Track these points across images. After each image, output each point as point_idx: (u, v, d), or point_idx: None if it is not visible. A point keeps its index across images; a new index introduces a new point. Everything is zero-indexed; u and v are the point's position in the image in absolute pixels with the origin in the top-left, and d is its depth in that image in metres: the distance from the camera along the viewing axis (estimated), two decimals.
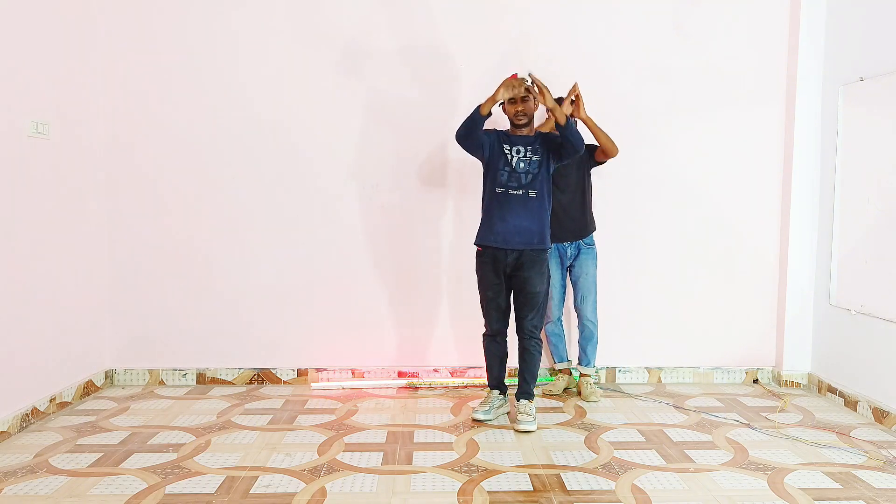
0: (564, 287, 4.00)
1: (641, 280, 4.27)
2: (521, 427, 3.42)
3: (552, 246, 3.81)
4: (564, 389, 4.08)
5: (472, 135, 3.43)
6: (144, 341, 4.20)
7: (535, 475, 2.89)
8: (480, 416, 3.55)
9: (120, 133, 4.10)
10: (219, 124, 4.14)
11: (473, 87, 4.17)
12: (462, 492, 2.72)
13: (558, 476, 2.89)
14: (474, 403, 3.87)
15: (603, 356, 4.12)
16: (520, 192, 3.43)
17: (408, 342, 4.29)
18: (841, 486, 2.81)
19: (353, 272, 4.23)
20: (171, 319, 4.19)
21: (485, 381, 4.24)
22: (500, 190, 3.45)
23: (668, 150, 4.27)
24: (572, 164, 3.74)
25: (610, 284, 4.05)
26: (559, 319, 4.04)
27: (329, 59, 4.14)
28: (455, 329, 4.27)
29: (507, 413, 3.67)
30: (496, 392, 3.66)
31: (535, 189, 3.45)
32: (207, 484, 2.79)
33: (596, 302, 3.96)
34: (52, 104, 3.65)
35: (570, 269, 3.96)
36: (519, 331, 3.56)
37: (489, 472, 2.91)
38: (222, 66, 4.12)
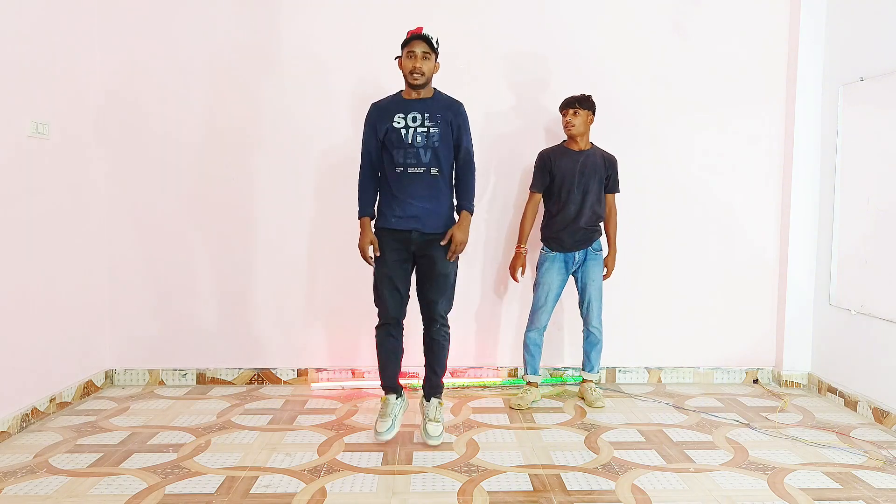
0: (559, 296, 3.83)
1: (641, 280, 4.27)
2: (432, 442, 3.14)
3: (557, 252, 3.77)
4: (532, 402, 3.83)
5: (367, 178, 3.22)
6: (144, 341, 4.20)
7: (535, 475, 2.89)
8: (386, 437, 3.17)
9: (119, 133, 4.10)
10: (217, 124, 4.13)
11: (471, 86, 4.18)
12: (462, 492, 2.72)
13: (558, 476, 2.89)
14: (475, 403, 3.88)
15: (603, 356, 4.09)
16: (419, 170, 3.10)
17: (407, 342, 4.27)
18: (841, 487, 2.81)
19: (353, 272, 4.22)
20: (171, 319, 4.19)
21: (484, 381, 4.25)
22: (398, 170, 3.11)
23: (667, 149, 4.27)
24: (595, 177, 3.72)
25: (610, 284, 4.03)
26: (544, 328, 3.82)
27: (325, 61, 4.14)
28: (454, 329, 4.25)
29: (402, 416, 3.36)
30: (393, 397, 3.28)
31: (437, 167, 3.12)
32: (207, 484, 2.79)
33: (601, 309, 3.85)
34: (52, 104, 3.65)
35: (576, 274, 3.84)
36: (426, 319, 3.24)
37: (489, 472, 2.91)
38: (220, 67, 4.12)
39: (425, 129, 3.10)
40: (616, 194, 3.88)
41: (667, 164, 4.27)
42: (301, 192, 4.19)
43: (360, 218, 3.20)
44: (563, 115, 3.75)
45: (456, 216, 3.24)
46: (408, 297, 3.25)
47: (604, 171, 3.78)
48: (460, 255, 3.24)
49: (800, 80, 4.17)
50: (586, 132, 3.77)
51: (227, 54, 4.11)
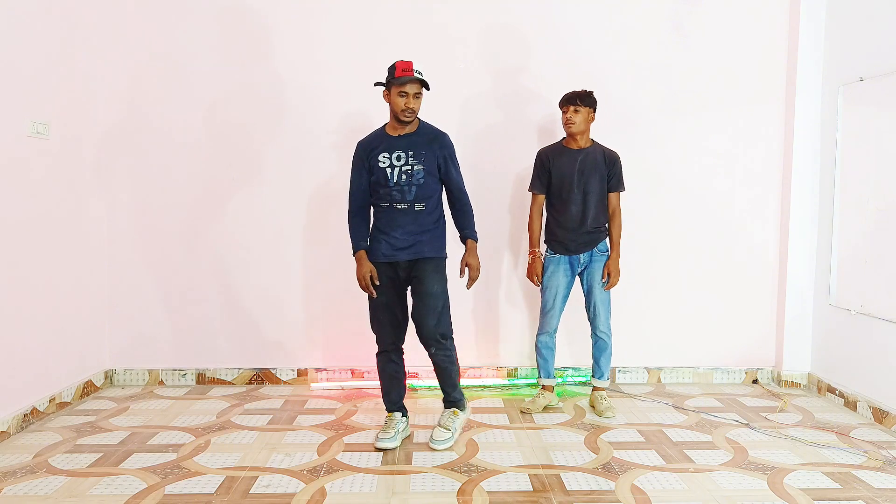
0: (567, 297, 3.73)
1: (641, 280, 4.27)
2: (433, 445, 3.16)
3: (561, 255, 3.68)
4: (545, 407, 3.78)
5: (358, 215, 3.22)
6: (144, 341, 4.20)
7: (535, 475, 2.89)
8: (387, 445, 3.15)
9: (119, 133, 4.11)
10: (218, 125, 4.14)
11: (471, 86, 4.18)
12: (462, 492, 2.72)
13: (558, 476, 2.89)
14: (475, 403, 3.87)
15: None
16: (404, 205, 3.13)
17: (407, 342, 4.27)
18: (840, 487, 2.81)
19: (352, 272, 4.21)
20: (171, 319, 4.20)
21: (483, 381, 4.26)
22: (384, 205, 3.17)
23: (668, 150, 4.27)
24: (596, 175, 3.63)
25: None
26: (555, 331, 3.76)
27: (326, 63, 4.14)
28: (454, 329, 4.26)
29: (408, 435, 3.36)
30: (398, 415, 3.30)
31: (423, 202, 3.14)
32: (207, 484, 2.79)
33: (610, 312, 3.71)
34: (51, 104, 3.65)
35: (581, 276, 3.72)
36: (423, 342, 3.20)
37: (489, 472, 2.91)
38: (221, 67, 4.12)
39: (409, 167, 3.13)
40: (620, 193, 3.72)
41: (667, 164, 4.27)
42: (300, 194, 4.19)
43: (355, 253, 3.20)
44: (563, 112, 3.64)
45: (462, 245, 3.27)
46: (406, 322, 3.28)
47: (605, 169, 3.66)
48: (447, 274, 3.25)
49: (800, 80, 4.17)
50: (587, 130, 3.68)
51: (224, 53, 4.13)
